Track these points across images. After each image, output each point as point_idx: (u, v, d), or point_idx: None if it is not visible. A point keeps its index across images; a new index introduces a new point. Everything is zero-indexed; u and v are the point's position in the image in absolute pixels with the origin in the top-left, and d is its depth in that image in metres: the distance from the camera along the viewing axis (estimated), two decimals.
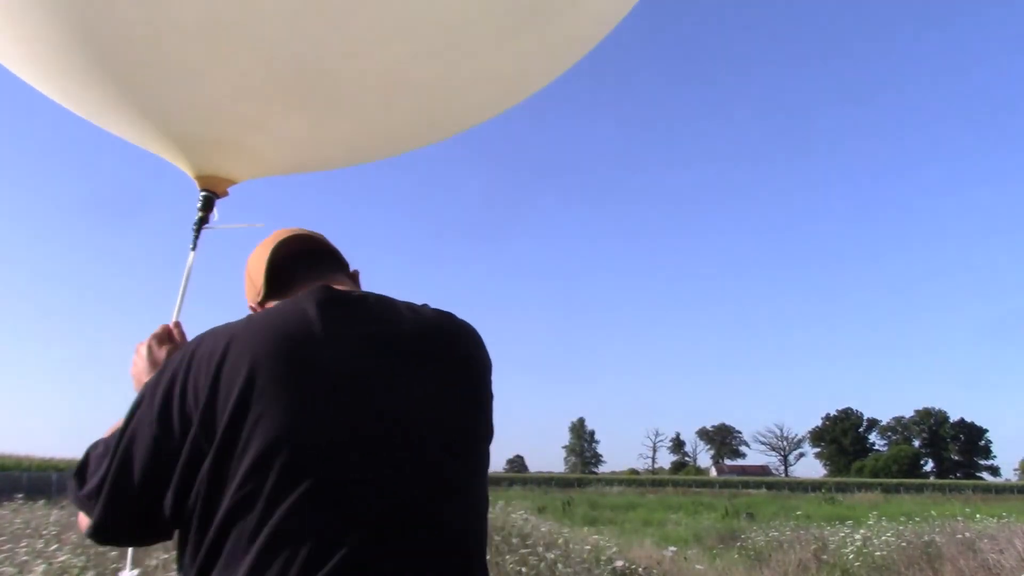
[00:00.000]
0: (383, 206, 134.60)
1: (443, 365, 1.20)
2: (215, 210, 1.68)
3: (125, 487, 1.08)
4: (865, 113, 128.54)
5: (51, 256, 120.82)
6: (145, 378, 1.37)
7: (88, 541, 7.13)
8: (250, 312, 1.32)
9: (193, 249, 1.62)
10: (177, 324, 1.46)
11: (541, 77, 1.94)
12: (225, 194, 1.71)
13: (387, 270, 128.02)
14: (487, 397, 1.26)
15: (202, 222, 1.66)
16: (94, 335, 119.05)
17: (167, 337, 1.42)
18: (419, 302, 1.24)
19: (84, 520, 1.13)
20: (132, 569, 1.93)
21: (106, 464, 1.10)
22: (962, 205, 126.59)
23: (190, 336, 1.41)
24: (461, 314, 1.28)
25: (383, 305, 1.23)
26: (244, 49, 1.53)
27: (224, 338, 1.11)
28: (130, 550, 1.93)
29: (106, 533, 1.12)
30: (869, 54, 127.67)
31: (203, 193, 1.69)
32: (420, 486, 1.08)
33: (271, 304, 1.30)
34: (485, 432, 1.24)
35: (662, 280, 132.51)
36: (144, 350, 1.41)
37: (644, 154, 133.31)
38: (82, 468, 1.15)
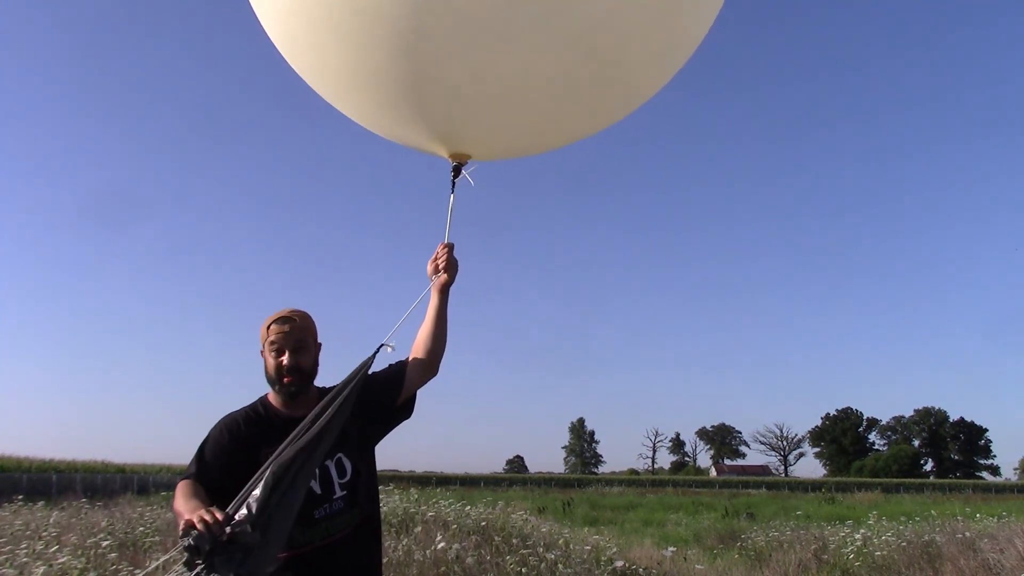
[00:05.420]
0: (384, 202, 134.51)
1: None
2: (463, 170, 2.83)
3: None
4: (864, 103, 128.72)
5: (51, 256, 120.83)
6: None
7: (88, 542, 7.14)
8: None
9: (452, 192, 2.75)
10: (450, 243, 2.58)
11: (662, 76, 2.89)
12: (466, 163, 2.82)
13: (383, 267, 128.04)
14: None
15: (455, 177, 2.77)
16: (94, 336, 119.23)
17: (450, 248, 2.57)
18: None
19: None
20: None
21: None
22: (963, 204, 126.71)
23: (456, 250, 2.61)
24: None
25: None
26: (484, 77, 2.51)
27: None
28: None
29: None
30: (869, 60, 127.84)
31: (453, 164, 2.81)
32: None
33: None
34: None
35: (662, 279, 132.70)
36: (453, 256, 2.56)
37: (643, 153, 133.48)
38: None
